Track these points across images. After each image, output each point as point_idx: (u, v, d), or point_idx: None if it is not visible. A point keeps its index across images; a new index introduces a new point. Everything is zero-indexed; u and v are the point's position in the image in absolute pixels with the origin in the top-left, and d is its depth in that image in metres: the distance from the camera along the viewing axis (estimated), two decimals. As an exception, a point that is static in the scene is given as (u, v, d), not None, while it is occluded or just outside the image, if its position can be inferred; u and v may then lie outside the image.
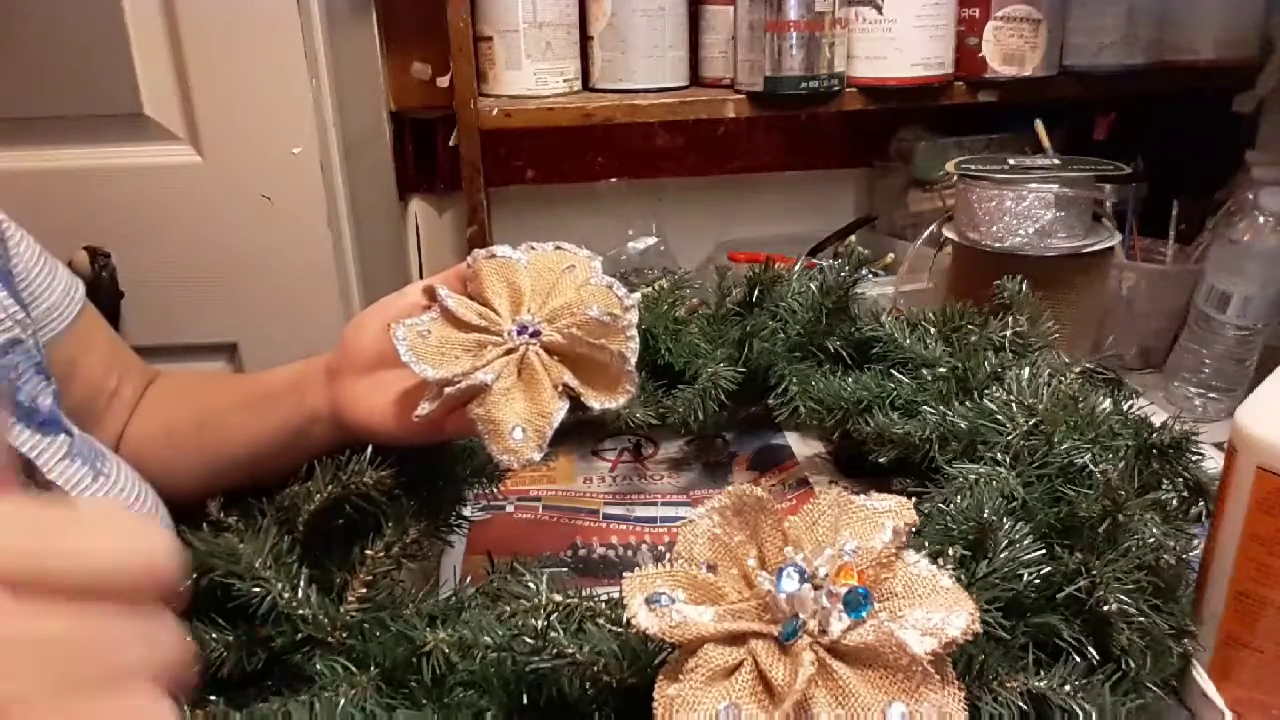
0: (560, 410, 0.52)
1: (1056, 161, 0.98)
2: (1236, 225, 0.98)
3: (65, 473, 0.54)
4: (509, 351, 0.53)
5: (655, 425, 0.75)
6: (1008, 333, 0.74)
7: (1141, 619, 0.49)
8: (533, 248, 0.58)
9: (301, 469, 0.59)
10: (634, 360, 0.53)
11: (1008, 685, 0.45)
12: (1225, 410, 0.98)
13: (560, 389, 0.52)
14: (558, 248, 0.58)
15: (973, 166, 0.96)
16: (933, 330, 0.76)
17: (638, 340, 0.54)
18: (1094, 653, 0.49)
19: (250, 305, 1.08)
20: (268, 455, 0.61)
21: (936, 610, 0.39)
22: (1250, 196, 0.97)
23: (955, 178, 0.98)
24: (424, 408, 0.52)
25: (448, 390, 0.51)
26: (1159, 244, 1.11)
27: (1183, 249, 1.09)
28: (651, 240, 1.34)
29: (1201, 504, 0.61)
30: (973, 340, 0.74)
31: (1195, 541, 0.55)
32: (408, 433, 0.56)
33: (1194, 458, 0.61)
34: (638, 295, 0.82)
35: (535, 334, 0.53)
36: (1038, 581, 0.49)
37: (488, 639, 0.47)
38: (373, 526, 0.56)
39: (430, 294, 0.56)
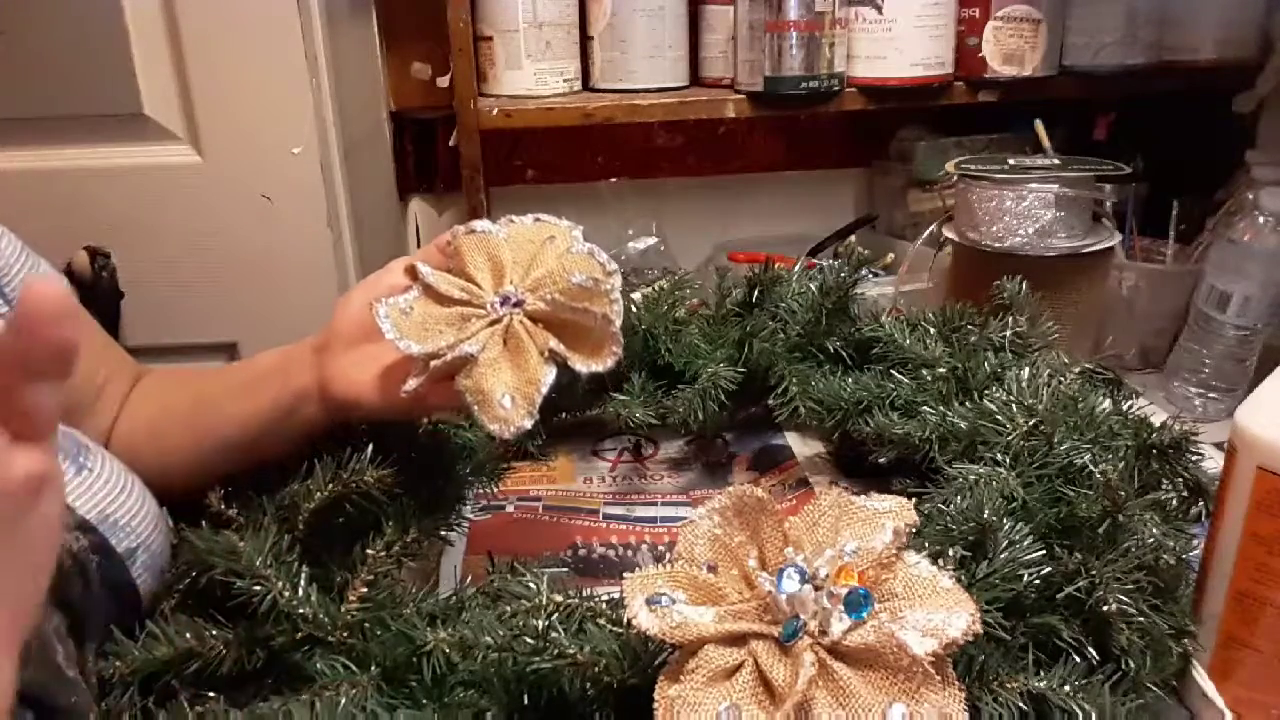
0: (548, 376, 0.52)
1: (1056, 161, 0.98)
2: (1236, 225, 0.98)
3: None
4: (493, 323, 0.53)
5: (655, 425, 0.75)
6: (1008, 333, 0.74)
7: (1141, 619, 0.49)
8: (512, 221, 0.58)
9: (290, 454, 0.59)
10: (619, 323, 0.53)
11: (1008, 686, 0.45)
12: (1225, 410, 0.98)
13: (547, 355, 0.52)
14: (537, 219, 0.58)
15: (973, 166, 0.96)
16: (933, 330, 0.76)
17: (621, 304, 0.53)
18: (1094, 653, 0.49)
19: (250, 305, 1.08)
20: (257, 438, 0.61)
21: (937, 611, 0.39)
22: (1250, 196, 0.97)
23: (955, 178, 0.98)
24: (411, 383, 0.52)
25: (434, 364, 0.51)
26: (1159, 244, 1.11)
27: (1183, 249, 1.09)
28: (651, 240, 1.34)
29: (1201, 504, 0.61)
30: (973, 340, 0.74)
31: (1195, 541, 0.55)
32: (393, 407, 0.56)
33: (1194, 458, 0.61)
34: (640, 294, 0.82)
35: (519, 304, 0.53)
36: (1038, 582, 0.49)
37: (488, 639, 0.46)
38: (373, 525, 0.56)
39: (411, 273, 0.56)
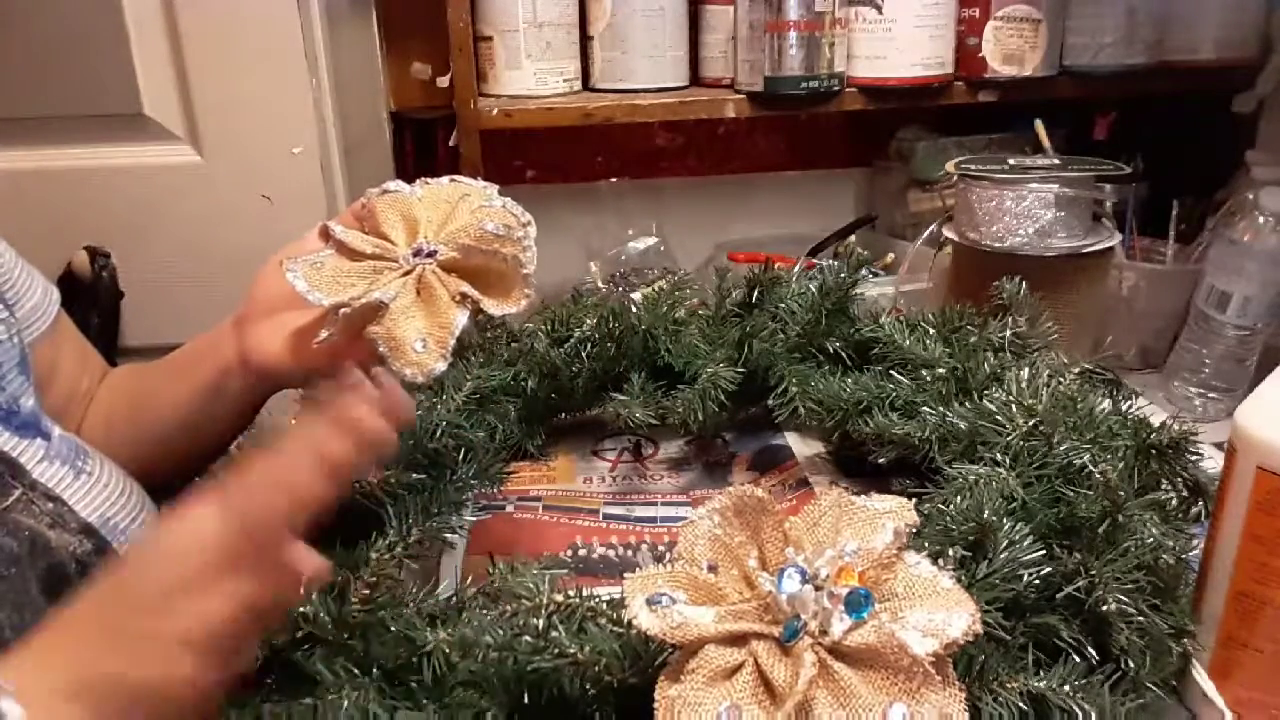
0: (460, 319, 0.52)
1: (1056, 161, 0.98)
2: (1236, 225, 0.98)
3: (46, 473, 0.54)
4: (406, 274, 0.53)
5: (655, 425, 0.75)
6: (1007, 333, 0.74)
7: (1141, 619, 0.49)
8: (427, 182, 0.58)
9: (228, 440, 0.60)
10: (532, 268, 0.53)
11: (1008, 685, 0.45)
12: (1225, 410, 0.98)
13: (459, 299, 0.53)
14: (453, 179, 0.59)
15: (973, 166, 0.96)
16: (932, 331, 0.76)
17: (534, 251, 0.54)
18: (1094, 653, 0.49)
19: (250, 305, 1.08)
20: (194, 421, 0.62)
21: (937, 611, 0.39)
22: (1250, 196, 0.97)
23: (955, 178, 0.98)
24: (323, 333, 0.53)
25: (344, 311, 0.52)
26: (1159, 244, 1.11)
27: (1183, 249, 1.09)
28: (651, 240, 1.34)
29: (1201, 504, 0.61)
30: (972, 341, 0.74)
31: (1195, 541, 0.55)
32: (310, 366, 0.56)
33: (1193, 458, 0.61)
34: (640, 294, 0.82)
35: (431, 255, 0.54)
36: (1037, 582, 0.49)
37: (488, 639, 0.46)
38: (374, 526, 0.56)
39: (324, 234, 0.56)
